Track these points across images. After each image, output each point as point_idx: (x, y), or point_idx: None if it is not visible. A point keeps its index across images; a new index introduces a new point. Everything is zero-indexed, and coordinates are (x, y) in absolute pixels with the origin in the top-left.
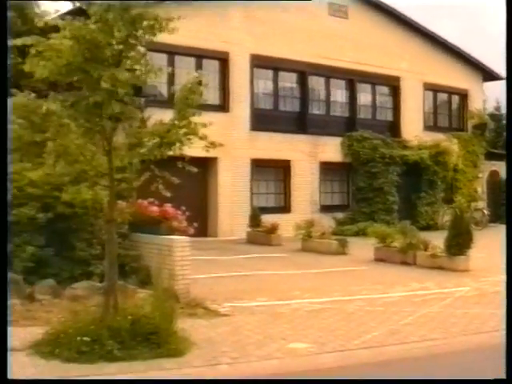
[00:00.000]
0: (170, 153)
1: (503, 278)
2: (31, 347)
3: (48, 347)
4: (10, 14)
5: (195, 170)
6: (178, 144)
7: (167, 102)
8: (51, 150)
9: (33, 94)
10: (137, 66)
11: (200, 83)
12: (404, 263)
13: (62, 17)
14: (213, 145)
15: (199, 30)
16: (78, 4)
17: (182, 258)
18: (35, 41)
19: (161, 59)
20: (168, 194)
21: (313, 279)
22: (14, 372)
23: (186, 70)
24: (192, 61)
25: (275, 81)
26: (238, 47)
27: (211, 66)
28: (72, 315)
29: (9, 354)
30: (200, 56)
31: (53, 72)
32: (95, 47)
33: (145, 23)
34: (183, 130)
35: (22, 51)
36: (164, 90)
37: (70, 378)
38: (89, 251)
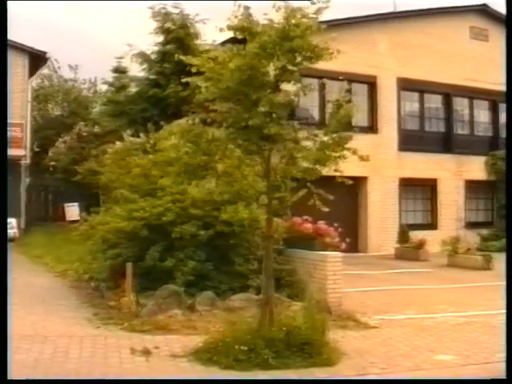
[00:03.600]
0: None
1: None
2: (192, 354)
3: (207, 354)
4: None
5: (350, 182)
6: (331, 162)
7: (319, 125)
8: (215, 171)
9: (197, 119)
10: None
11: (349, 102)
12: None
13: (222, 44)
14: (363, 159)
15: (348, 55)
16: (237, 33)
17: (334, 272)
18: (199, 61)
19: (311, 83)
20: (325, 209)
21: (458, 293)
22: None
23: (335, 93)
24: (341, 85)
25: (421, 103)
26: (385, 71)
27: (360, 90)
28: (230, 325)
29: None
30: (349, 80)
31: (214, 95)
32: (254, 73)
33: (304, 52)
34: (336, 149)
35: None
36: (315, 113)
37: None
38: (246, 266)
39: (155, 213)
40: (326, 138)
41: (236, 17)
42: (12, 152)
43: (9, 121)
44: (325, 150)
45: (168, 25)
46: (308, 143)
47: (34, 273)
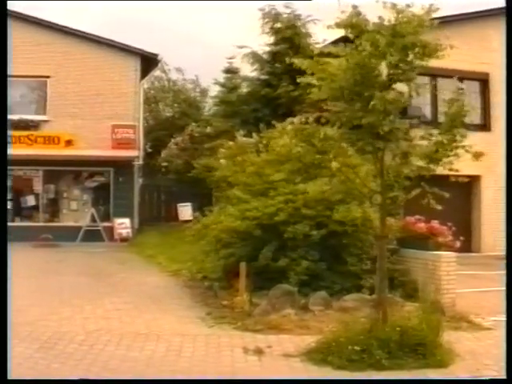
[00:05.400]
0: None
1: None
2: (304, 354)
3: (320, 355)
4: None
5: (466, 180)
6: (445, 161)
7: (431, 123)
8: (328, 169)
9: (311, 117)
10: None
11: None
12: None
13: (335, 44)
14: (477, 155)
15: (459, 52)
16: (344, 32)
17: (447, 272)
18: (309, 65)
19: (422, 81)
20: (439, 208)
21: None
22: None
23: (447, 91)
24: (453, 82)
25: None
26: (498, 68)
27: (472, 87)
28: (343, 325)
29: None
30: (460, 78)
31: (327, 94)
32: (367, 72)
33: (416, 50)
34: (450, 148)
35: (294, 79)
36: (428, 111)
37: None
38: (359, 266)
39: (268, 212)
40: (440, 137)
41: (344, 12)
42: (126, 153)
43: (122, 122)
44: (439, 149)
45: (278, 25)
46: (423, 142)
47: (148, 272)
